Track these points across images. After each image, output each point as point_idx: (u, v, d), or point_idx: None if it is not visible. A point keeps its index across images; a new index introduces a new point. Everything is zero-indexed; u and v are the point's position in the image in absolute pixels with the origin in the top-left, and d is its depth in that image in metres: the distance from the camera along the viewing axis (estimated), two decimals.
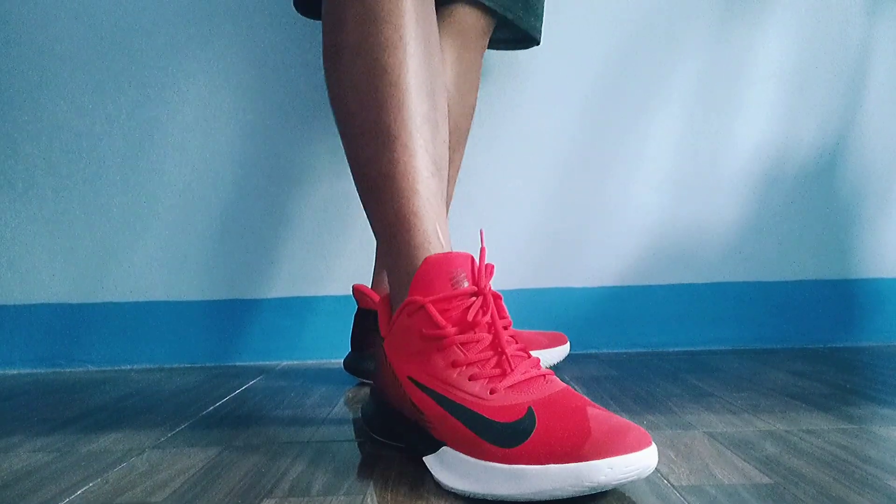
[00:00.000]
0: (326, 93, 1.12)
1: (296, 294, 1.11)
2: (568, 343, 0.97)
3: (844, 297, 1.11)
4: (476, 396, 0.50)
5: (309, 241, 1.11)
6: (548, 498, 0.44)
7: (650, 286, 1.11)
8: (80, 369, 1.09)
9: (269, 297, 1.11)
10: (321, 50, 1.09)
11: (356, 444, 0.62)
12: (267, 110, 1.10)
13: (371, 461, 0.56)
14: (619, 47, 1.10)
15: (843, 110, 1.11)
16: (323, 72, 0.78)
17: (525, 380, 0.51)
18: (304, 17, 1.08)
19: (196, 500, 0.49)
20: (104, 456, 0.60)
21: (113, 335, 1.10)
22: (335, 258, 1.11)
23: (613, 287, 1.10)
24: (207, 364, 1.10)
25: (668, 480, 0.49)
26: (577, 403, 0.48)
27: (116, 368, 1.09)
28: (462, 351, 0.52)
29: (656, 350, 1.10)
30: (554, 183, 1.11)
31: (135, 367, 1.10)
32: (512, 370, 0.51)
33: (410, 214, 0.58)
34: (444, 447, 0.51)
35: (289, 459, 0.57)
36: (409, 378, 0.54)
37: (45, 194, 1.10)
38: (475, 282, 0.55)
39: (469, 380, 0.51)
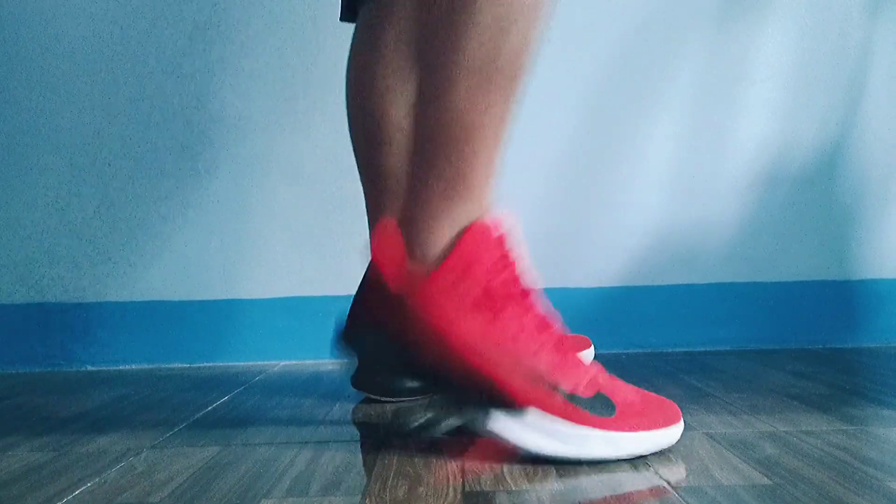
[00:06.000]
0: (330, 90, 1.12)
1: (296, 294, 1.11)
2: (592, 347, 0.94)
3: (844, 297, 1.11)
4: (552, 369, 0.55)
5: (309, 241, 1.11)
6: (634, 456, 0.55)
7: (650, 286, 1.11)
8: (80, 369, 1.09)
9: (269, 297, 1.11)
10: (323, 49, 1.09)
11: (355, 444, 0.62)
12: (268, 110, 1.10)
13: (370, 461, 0.56)
14: (619, 47, 1.10)
15: (844, 111, 1.11)
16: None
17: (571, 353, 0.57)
18: (301, 19, 1.08)
19: (195, 500, 0.49)
20: (103, 456, 0.60)
21: (113, 335, 1.10)
22: (335, 258, 1.11)
23: (613, 287, 1.10)
24: (206, 364, 1.10)
25: (667, 481, 0.49)
26: (616, 380, 0.58)
27: (116, 368, 1.09)
28: (524, 325, 0.56)
29: (656, 351, 1.10)
30: (553, 183, 1.11)
31: (134, 367, 1.10)
32: (559, 347, 0.57)
33: (477, 162, 0.56)
34: (528, 409, 0.54)
35: (287, 459, 0.57)
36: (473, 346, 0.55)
37: (44, 194, 1.10)
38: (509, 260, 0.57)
39: (535, 353, 0.55)
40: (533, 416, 0.54)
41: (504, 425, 0.54)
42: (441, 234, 0.56)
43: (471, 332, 0.55)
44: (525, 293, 0.57)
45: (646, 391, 0.58)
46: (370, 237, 0.58)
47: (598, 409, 0.54)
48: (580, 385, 0.55)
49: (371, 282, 0.58)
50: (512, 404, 0.54)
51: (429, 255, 0.56)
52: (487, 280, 0.55)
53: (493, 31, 0.53)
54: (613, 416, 0.54)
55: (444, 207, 0.56)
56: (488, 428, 0.55)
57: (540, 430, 0.54)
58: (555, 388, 0.54)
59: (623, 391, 0.57)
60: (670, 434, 0.56)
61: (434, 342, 0.55)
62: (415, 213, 0.57)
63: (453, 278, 0.55)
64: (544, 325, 0.57)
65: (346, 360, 0.56)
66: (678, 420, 0.56)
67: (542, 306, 0.59)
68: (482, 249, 0.55)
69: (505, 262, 0.56)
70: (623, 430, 0.54)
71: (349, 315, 0.61)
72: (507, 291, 0.56)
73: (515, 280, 0.56)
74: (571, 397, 0.54)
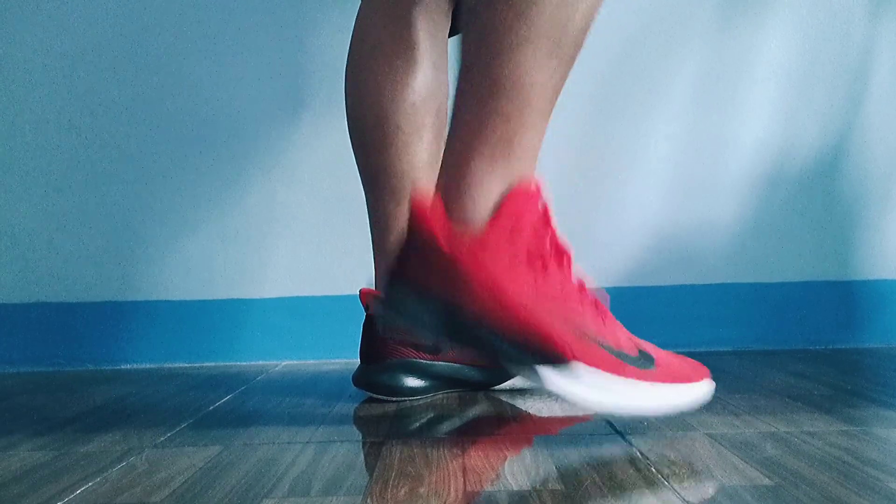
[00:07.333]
0: (329, 90, 1.12)
1: (296, 294, 1.11)
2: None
3: (845, 298, 1.11)
4: (598, 328, 0.58)
5: (309, 240, 1.11)
6: (669, 411, 0.59)
7: (650, 287, 1.11)
8: (80, 369, 1.09)
9: (269, 297, 1.11)
10: (322, 49, 1.09)
11: (356, 444, 0.62)
12: (268, 110, 1.10)
13: (371, 461, 0.56)
14: (620, 47, 1.10)
15: (845, 111, 1.11)
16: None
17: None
18: (302, 19, 1.08)
19: (195, 500, 0.48)
20: (103, 455, 0.60)
21: (113, 335, 1.10)
22: (335, 258, 1.11)
23: (613, 287, 1.10)
24: (207, 364, 1.10)
25: (668, 482, 0.49)
26: (648, 342, 0.62)
27: (116, 368, 1.09)
28: (566, 284, 0.58)
29: None
30: (554, 183, 1.11)
31: (135, 367, 1.10)
32: (598, 308, 0.60)
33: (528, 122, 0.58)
34: (576, 364, 0.56)
35: (289, 459, 0.57)
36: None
37: (45, 193, 1.10)
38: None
39: (581, 311, 0.58)
40: (580, 370, 0.56)
41: (552, 379, 0.56)
42: (489, 197, 0.57)
43: (523, 288, 0.56)
44: (565, 254, 0.59)
45: (674, 353, 0.62)
46: (410, 205, 0.58)
47: (641, 363, 0.57)
48: (621, 341, 0.58)
49: (417, 246, 0.58)
50: (561, 359, 0.56)
51: (476, 217, 0.57)
52: (534, 238, 0.57)
53: (564, 3, 0.54)
54: (654, 370, 0.58)
55: (492, 171, 0.57)
56: (535, 383, 0.56)
57: (587, 384, 0.56)
58: (601, 343, 0.56)
59: (657, 350, 0.60)
60: (704, 388, 0.60)
61: (487, 299, 0.55)
62: (460, 176, 0.58)
63: (504, 237, 0.56)
64: (582, 287, 0.60)
65: (390, 327, 0.57)
66: (708, 376, 0.61)
67: (577, 270, 0.62)
68: (529, 208, 0.57)
69: (546, 222, 0.58)
70: (665, 381, 0.57)
71: (386, 283, 0.60)
72: (550, 251, 0.58)
73: (556, 240, 0.58)
74: (617, 353, 0.57)
